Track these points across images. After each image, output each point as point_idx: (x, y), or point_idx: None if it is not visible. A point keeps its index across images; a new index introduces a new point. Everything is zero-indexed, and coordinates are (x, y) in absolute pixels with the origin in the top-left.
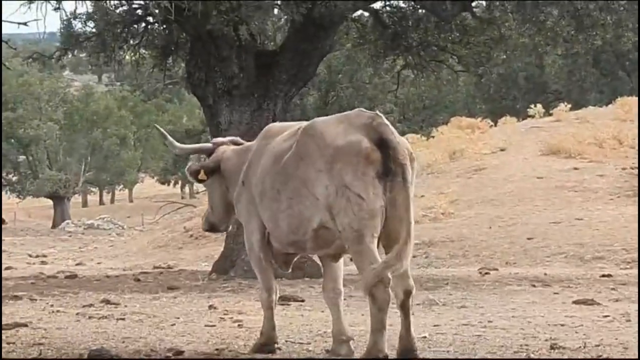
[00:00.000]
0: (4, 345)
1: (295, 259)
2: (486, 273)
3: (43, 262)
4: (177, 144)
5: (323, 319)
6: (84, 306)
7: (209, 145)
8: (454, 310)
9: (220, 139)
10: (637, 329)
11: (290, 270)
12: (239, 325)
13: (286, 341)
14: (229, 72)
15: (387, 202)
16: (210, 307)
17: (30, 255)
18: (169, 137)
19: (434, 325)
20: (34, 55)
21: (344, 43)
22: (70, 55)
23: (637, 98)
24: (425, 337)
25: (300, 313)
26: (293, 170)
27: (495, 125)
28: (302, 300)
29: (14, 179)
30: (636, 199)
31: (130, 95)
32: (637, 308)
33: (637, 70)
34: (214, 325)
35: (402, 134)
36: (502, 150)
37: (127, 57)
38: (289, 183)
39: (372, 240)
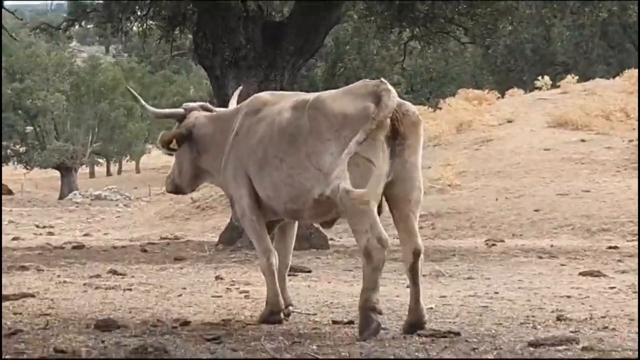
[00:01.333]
0: (10, 315)
1: (277, 226)
2: (493, 245)
3: (50, 233)
4: (151, 108)
5: (330, 289)
6: (90, 277)
7: (181, 110)
8: (460, 282)
9: (191, 104)
10: None
11: (270, 234)
12: (245, 296)
13: (293, 311)
14: (236, 43)
15: (396, 165)
16: (217, 277)
17: (37, 226)
18: (141, 100)
19: (441, 297)
20: (42, 26)
21: (351, 15)
22: (77, 26)
23: None
24: (431, 308)
25: (307, 284)
26: (299, 143)
27: (503, 97)
28: (309, 271)
29: (22, 150)
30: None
31: (137, 67)
32: None
33: (638, 42)
34: (221, 296)
35: None
36: (509, 122)
37: (134, 28)
38: (293, 155)
39: (373, 205)
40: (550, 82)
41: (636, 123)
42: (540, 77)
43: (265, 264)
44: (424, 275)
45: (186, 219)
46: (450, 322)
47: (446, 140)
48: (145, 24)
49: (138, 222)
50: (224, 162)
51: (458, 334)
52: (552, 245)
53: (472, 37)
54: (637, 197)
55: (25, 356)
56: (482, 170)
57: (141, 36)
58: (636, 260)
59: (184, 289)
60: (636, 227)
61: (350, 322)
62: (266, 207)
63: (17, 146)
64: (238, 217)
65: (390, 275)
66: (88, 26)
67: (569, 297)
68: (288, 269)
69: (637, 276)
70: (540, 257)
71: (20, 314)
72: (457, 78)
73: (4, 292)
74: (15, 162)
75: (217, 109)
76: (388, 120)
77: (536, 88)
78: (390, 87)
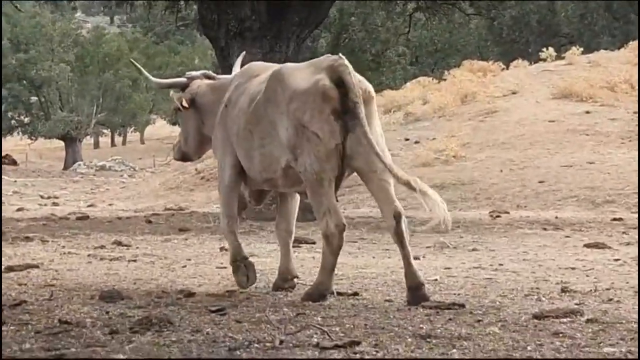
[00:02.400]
0: (15, 286)
1: (268, 196)
2: (497, 216)
3: (54, 204)
4: (153, 79)
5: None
6: (95, 248)
7: (184, 79)
8: (465, 253)
9: (194, 73)
10: None
11: (261, 205)
12: None
13: (297, 283)
14: (241, 14)
15: (352, 140)
16: (222, 249)
17: (41, 197)
18: (145, 72)
19: (445, 268)
20: None
21: None
22: None
23: None
24: (436, 279)
25: (311, 255)
26: (263, 112)
27: (507, 69)
28: (313, 243)
29: (26, 120)
30: None
31: (142, 37)
32: None
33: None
34: (225, 267)
35: (414, 77)
36: (513, 93)
37: None
38: (260, 124)
39: (330, 184)
40: (555, 54)
41: None
42: (544, 49)
43: (226, 226)
44: (428, 247)
45: (191, 190)
46: (454, 294)
47: (451, 111)
48: None
49: (142, 193)
50: (214, 131)
51: (462, 305)
52: (556, 217)
53: (477, 8)
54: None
55: (29, 327)
56: (487, 142)
57: (146, 7)
58: None
59: (189, 260)
60: None
61: (355, 294)
62: (249, 177)
63: (22, 116)
64: (218, 181)
65: (394, 247)
66: None
67: (573, 269)
68: (292, 238)
69: None
70: (545, 229)
71: (25, 284)
72: (461, 49)
73: (8, 263)
74: (20, 133)
75: (219, 76)
76: (335, 95)
77: (541, 59)
78: (347, 62)
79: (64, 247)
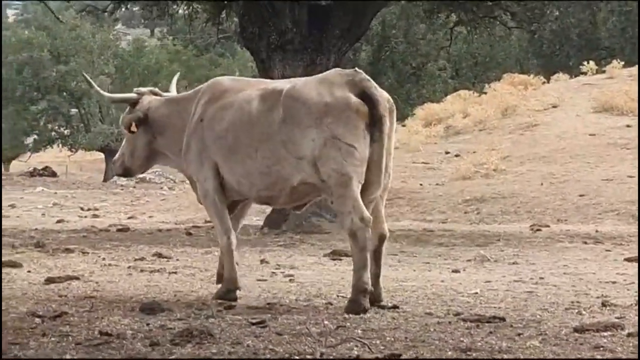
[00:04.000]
0: (55, 297)
1: (237, 206)
2: (538, 229)
3: (95, 216)
4: (105, 93)
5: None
6: (135, 260)
7: (134, 95)
8: (505, 267)
9: (142, 89)
10: None
11: (231, 214)
12: (290, 279)
13: (337, 296)
14: (282, 26)
15: (372, 150)
16: (262, 261)
17: (82, 209)
18: (95, 86)
19: (486, 282)
20: (87, 9)
21: None
22: (123, 9)
23: None
24: (476, 293)
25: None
26: (274, 133)
27: (548, 82)
28: None
29: (66, 132)
30: None
31: (182, 50)
32: None
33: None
34: (266, 280)
35: (455, 90)
36: (554, 107)
37: (180, 10)
38: (268, 144)
39: (358, 185)
40: (596, 67)
41: None
42: (585, 62)
43: (225, 243)
44: (468, 260)
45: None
46: (495, 307)
47: (491, 124)
48: (191, 7)
49: (182, 205)
50: (185, 145)
51: (503, 319)
52: (597, 231)
53: (518, 21)
54: None
55: (70, 338)
56: (527, 155)
57: (187, 19)
58: None
59: None
60: None
61: (395, 307)
62: (232, 190)
63: (62, 128)
64: (200, 197)
65: (434, 260)
66: (134, 9)
67: (614, 282)
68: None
69: None
70: (585, 243)
71: (66, 296)
72: (502, 63)
73: (49, 275)
74: (60, 144)
75: (165, 94)
76: (365, 110)
77: (582, 73)
78: (366, 76)
79: (104, 259)
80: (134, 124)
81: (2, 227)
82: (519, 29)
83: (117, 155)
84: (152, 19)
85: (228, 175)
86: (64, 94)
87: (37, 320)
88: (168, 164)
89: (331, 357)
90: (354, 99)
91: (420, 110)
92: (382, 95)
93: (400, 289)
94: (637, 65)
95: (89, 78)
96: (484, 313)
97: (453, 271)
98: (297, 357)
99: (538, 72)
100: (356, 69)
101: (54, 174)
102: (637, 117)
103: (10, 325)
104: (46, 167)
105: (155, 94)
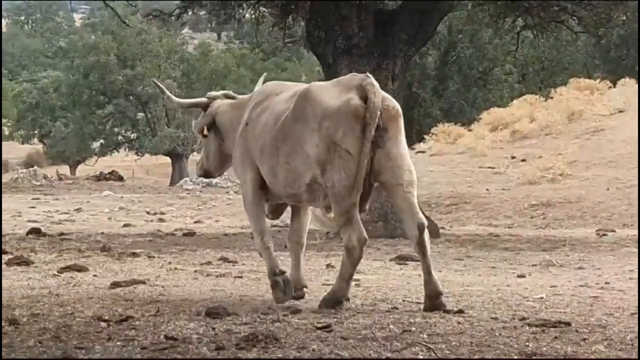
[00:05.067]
0: (121, 302)
1: (284, 209)
2: (604, 234)
3: (161, 220)
4: (175, 99)
5: (440, 278)
6: (201, 264)
7: (204, 99)
8: (571, 272)
9: (214, 93)
10: None
11: (278, 219)
12: (356, 284)
13: (403, 300)
14: (349, 31)
15: (380, 155)
16: (328, 265)
17: (148, 213)
18: (167, 91)
19: (551, 286)
20: (154, 13)
21: (465, 2)
22: (190, 13)
23: None
24: (542, 297)
25: (417, 272)
26: (290, 130)
27: (614, 87)
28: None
29: (133, 136)
30: None
31: (249, 54)
32: None
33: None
34: (332, 284)
35: (521, 94)
36: (620, 111)
37: (247, 15)
38: (287, 141)
39: (356, 197)
40: None
41: None
42: None
43: (260, 243)
44: (534, 265)
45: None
46: (560, 312)
47: (557, 129)
48: (258, 11)
49: None
50: (235, 148)
51: (568, 324)
52: None
53: (585, 26)
54: None
55: (135, 342)
56: (593, 160)
57: (254, 23)
58: None
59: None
60: None
61: (461, 311)
62: (271, 191)
63: (128, 132)
64: (242, 197)
65: (501, 264)
66: (200, 13)
67: None
68: (303, 250)
69: None
70: None
71: (131, 300)
72: (568, 67)
73: (115, 279)
74: (127, 149)
75: (240, 96)
76: (365, 113)
77: None
78: (374, 82)
79: (170, 263)
80: (205, 128)
81: (68, 230)
82: (586, 33)
83: (199, 158)
84: (219, 23)
85: (265, 177)
86: (131, 98)
87: (103, 324)
88: None
89: None
90: (354, 101)
91: (486, 115)
92: (384, 100)
93: (466, 293)
94: None
95: (159, 84)
96: (549, 318)
97: (519, 276)
98: None
99: (604, 76)
100: (367, 74)
101: (120, 178)
102: None
103: (75, 329)
104: (112, 171)
105: (229, 97)
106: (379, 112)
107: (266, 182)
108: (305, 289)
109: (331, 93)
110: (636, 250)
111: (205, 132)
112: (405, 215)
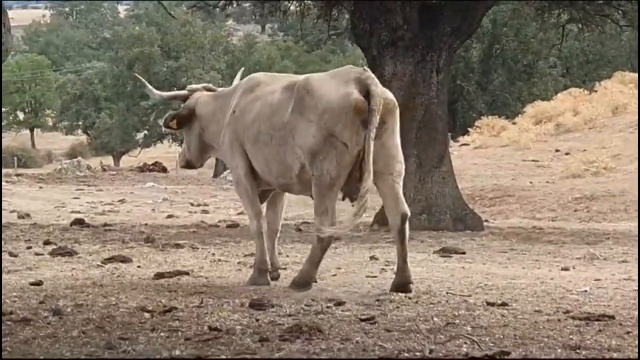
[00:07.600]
0: (165, 292)
1: (269, 195)
2: None
3: (204, 211)
4: (155, 92)
5: (484, 271)
6: (245, 255)
7: (184, 92)
8: (615, 265)
9: (194, 86)
10: None
11: (263, 203)
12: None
13: (447, 293)
14: (393, 23)
15: (377, 145)
16: (372, 258)
17: (191, 204)
18: (148, 84)
19: (595, 280)
20: (199, 4)
21: None
22: (235, 5)
23: None
24: (585, 291)
25: (461, 265)
26: (286, 121)
27: None
28: (464, 253)
29: None
30: None
31: (294, 46)
32: None
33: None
34: (375, 277)
35: (565, 88)
36: None
37: (291, 7)
38: (280, 132)
39: (337, 189)
40: None
41: None
42: None
43: (255, 227)
44: (578, 258)
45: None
46: (604, 305)
47: (601, 123)
48: (303, 3)
49: (292, 201)
50: (222, 136)
51: (612, 317)
52: None
53: (629, 20)
54: None
55: (179, 333)
56: (637, 153)
57: (298, 15)
58: None
59: (339, 268)
60: None
61: (504, 304)
62: (261, 179)
63: None
64: (233, 182)
65: (544, 257)
66: (245, 5)
67: None
68: (277, 235)
69: None
70: None
71: (175, 291)
72: (613, 61)
73: (158, 270)
74: (170, 140)
75: (219, 89)
76: (365, 107)
77: None
78: (373, 75)
79: (214, 254)
80: (174, 121)
81: (112, 221)
82: (630, 27)
83: (181, 149)
84: (263, 15)
85: (255, 163)
86: (175, 89)
87: (147, 315)
88: (217, 155)
89: (440, 354)
90: (355, 95)
91: (530, 108)
92: (382, 92)
93: (510, 286)
94: None
95: (141, 78)
96: (593, 311)
97: (562, 269)
98: (406, 354)
99: None
100: (365, 67)
101: (164, 170)
102: None
103: (119, 319)
104: (156, 162)
105: (209, 89)
106: (382, 101)
107: (255, 169)
108: (279, 270)
109: (331, 86)
110: None
111: (174, 124)
112: (391, 204)
